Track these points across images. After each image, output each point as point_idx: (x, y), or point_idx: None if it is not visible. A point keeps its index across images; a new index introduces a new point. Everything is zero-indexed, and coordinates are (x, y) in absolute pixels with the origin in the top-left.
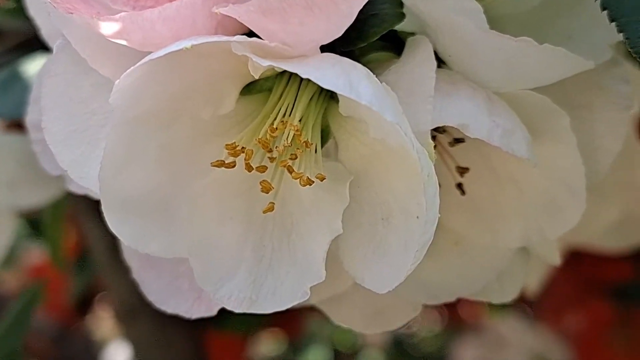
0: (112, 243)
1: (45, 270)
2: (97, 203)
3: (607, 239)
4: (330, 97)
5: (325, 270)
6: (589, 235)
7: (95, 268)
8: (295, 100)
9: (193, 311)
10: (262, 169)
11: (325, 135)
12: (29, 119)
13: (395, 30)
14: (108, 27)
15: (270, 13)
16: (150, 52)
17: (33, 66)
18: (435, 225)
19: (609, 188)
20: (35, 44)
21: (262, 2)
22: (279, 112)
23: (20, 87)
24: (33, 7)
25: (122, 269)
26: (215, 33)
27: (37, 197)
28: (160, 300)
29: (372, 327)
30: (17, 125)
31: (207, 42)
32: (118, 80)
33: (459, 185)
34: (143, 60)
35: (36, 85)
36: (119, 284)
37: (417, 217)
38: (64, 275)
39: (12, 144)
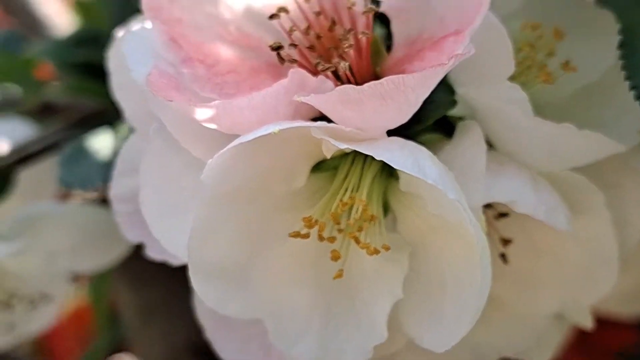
0: (143, 307)
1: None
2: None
3: (621, 305)
4: (389, 174)
5: None
6: (608, 302)
7: (123, 330)
8: (360, 178)
9: None
10: (332, 239)
11: (385, 209)
12: (113, 193)
13: (446, 115)
14: (202, 113)
15: (349, 103)
16: (236, 135)
17: (97, 141)
18: (487, 294)
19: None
20: (93, 120)
21: (342, 94)
22: (346, 188)
23: (86, 161)
24: (120, 91)
25: (151, 333)
26: (294, 118)
27: (94, 264)
28: (231, 358)
29: None
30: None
31: (291, 127)
32: (211, 160)
33: (502, 256)
34: (234, 143)
35: (120, 161)
36: (146, 347)
37: (471, 285)
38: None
39: (76, 213)
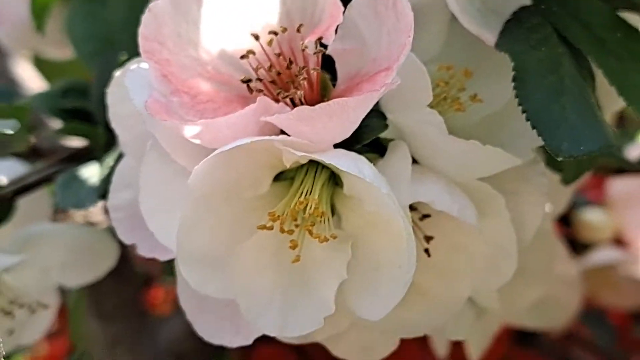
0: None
1: None
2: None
3: (528, 318)
4: (335, 183)
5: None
6: (514, 314)
7: None
8: (312, 184)
9: (233, 342)
10: (291, 232)
11: (332, 211)
12: (110, 203)
13: (379, 137)
14: (189, 130)
15: (304, 120)
16: (214, 150)
17: (86, 171)
18: (413, 272)
19: (532, 273)
20: (79, 156)
21: (299, 112)
22: (302, 192)
23: (78, 187)
24: (116, 120)
25: None
26: (260, 134)
27: (81, 279)
28: (208, 335)
29: (364, 358)
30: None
31: (259, 140)
32: (196, 167)
33: (426, 250)
34: (214, 153)
35: (115, 178)
36: None
37: (400, 266)
38: None
39: (64, 231)
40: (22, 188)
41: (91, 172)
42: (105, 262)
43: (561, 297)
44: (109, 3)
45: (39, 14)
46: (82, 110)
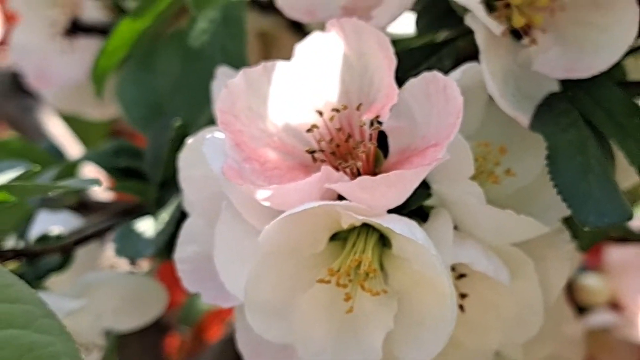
0: None
1: None
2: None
3: None
4: (383, 244)
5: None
6: None
7: None
8: (365, 244)
9: None
10: (345, 285)
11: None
12: (177, 256)
13: (422, 205)
14: (261, 194)
15: (365, 188)
16: (282, 211)
17: (141, 225)
18: (452, 328)
19: (544, 331)
20: (131, 212)
21: (361, 181)
22: (355, 251)
23: (135, 237)
24: (185, 183)
25: None
26: (322, 199)
27: (131, 324)
28: None
29: None
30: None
31: (325, 205)
32: (266, 227)
33: (461, 307)
34: (284, 215)
35: (182, 234)
36: None
37: (443, 321)
38: None
39: (119, 279)
40: (82, 239)
41: (146, 226)
42: (154, 308)
43: (566, 354)
44: (158, 72)
45: (99, 81)
46: (134, 169)
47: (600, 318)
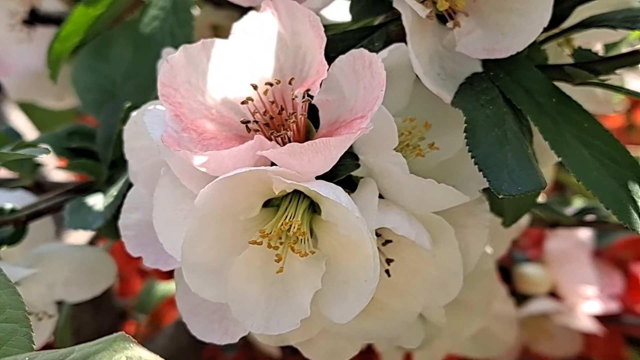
0: None
1: None
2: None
3: (470, 348)
4: (313, 211)
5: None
6: (458, 343)
7: None
8: (295, 209)
9: (222, 341)
10: (277, 247)
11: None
12: (121, 222)
13: (351, 175)
14: (197, 160)
15: (294, 154)
16: (217, 176)
17: (91, 200)
18: (375, 287)
19: (474, 307)
20: (83, 189)
21: (290, 148)
22: (287, 215)
23: (85, 211)
24: (130, 153)
25: None
26: (255, 165)
27: (81, 295)
28: (201, 335)
29: None
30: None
31: (256, 170)
32: (201, 190)
33: (387, 271)
34: (217, 179)
35: (126, 202)
36: None
37: (365, 280)
38: None
39: (69, 251)
40: (35, 213)
41: (96, 201)
42: (103, 280)
43: (499, 332)
44: (112, 60)
45: (54, 65)
46: (87, 149)
47: (540, 304)
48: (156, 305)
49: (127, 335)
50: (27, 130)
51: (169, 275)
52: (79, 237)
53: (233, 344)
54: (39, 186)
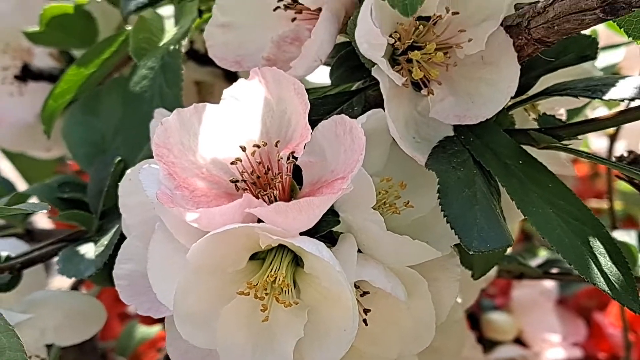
0: None
1: None
2: None
3: None
4: (297, 264)
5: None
6: None
7: None
8: (280, 262)
9: None
10: (262, 298)
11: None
12: (115, 272)
13: (332, 231)
14: (190, 216)
15: (279, 212)
16: (208, 232)
17: (83, 249)
18: (354, 336)
19: (445, 353)
20: (75, 238)
21: (276, 206)
22: (272, 268)
23: (78, 259)
24: (124, 208)
25: None
26: (243, 221)
27: (71, 340)
28: None
29: None
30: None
31: (244, 226)
32: (194, 244)
33: (365, 320)
34: (209, 234)
35: (120, 254)
36: None
37: (345, 330)
38: None
39: (62, 297)
40: (28, 261)
41: (87, 249)
42: (93, 325)
43: None
44: (101, 114)
45: (48, 121)
46: (78, 200)
47: (507, 350)
48: (136, 348)
49: None
50: (14, 177)
51: (150, 319)
52: (64, 282)
53: None
54: (29, 234)
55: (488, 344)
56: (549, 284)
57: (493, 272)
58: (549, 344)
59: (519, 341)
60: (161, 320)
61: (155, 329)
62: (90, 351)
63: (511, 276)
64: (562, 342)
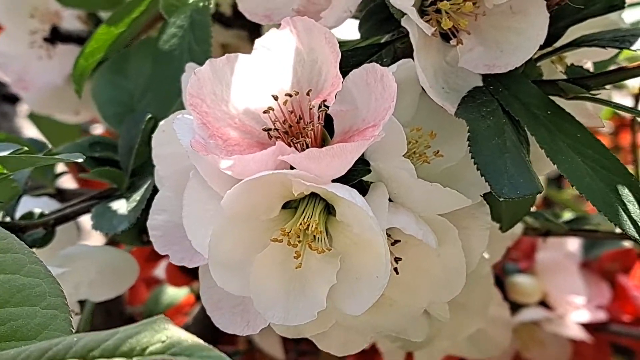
0: None
1: None
2: None
3: (467, 349)
4: (328, 213)
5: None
6: (456, 343)
7: None
8: (312, 210)
9: (244, 332)
10: (296, 245)
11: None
12: (150, 223)
13: (362, 180)
14: (224, 164)
15: (311, 159)
16: (242, 179)
17: (115, 204)
18: (386, 282)
19: (472, 308)
20: (106, 195)
21: (309, 153)
22: (305, 216)
23: (110, 215)
24: (158, 159)
25: None
26: (276, 169)
27: (104, 295)
28: (223, 326)
29: (342, 352)
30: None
31: (278, 173)
32: (228, 191)
33: (395, 269)
34: (242, 181)
35: (154, 205)
36: None
37: (377, 276)
38: None
39: (95, 252)
40: (61, 217)
41: (119, 205)
42: (126, 280)
43: (495, 334)
44: (130, 75)
45: (78, 80)
46: (108, 159)
47: (531, 313)
48: (163, 313)
49: (166, 317)
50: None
51: (177, 279)
52: (95, 242)
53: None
54: (61, 193)
55: (513, 307)
56: (573, 247)
57: (519, 229)
58: (574, 306)
59: (543, 304)
60: (188, 282)
61: (182, 292)
62: (118, 315)
63: (537, 233)
64: (586, 305)
